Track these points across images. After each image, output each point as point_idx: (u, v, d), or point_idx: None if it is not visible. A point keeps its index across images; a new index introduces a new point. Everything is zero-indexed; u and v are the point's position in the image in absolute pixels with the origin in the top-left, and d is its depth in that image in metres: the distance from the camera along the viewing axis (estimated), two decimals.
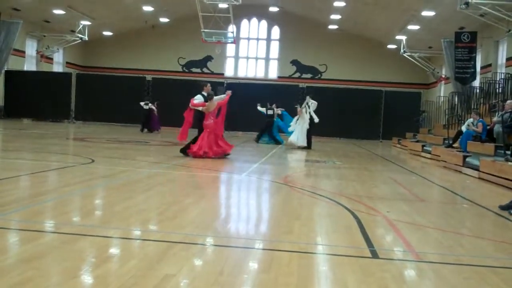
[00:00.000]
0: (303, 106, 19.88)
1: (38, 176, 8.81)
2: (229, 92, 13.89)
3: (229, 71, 42.67)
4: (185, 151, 13.31)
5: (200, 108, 13.43)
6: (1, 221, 5.10)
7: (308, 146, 19.30)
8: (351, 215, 6.41)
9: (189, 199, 7.06)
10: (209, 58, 41.69)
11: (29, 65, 37.16)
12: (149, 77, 33.04)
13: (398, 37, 33.84)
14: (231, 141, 21.23)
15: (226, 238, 5.05)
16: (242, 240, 5.05)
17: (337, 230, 5.66)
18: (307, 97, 20.14)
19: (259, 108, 21.83)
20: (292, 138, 19.57)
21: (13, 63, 33.95)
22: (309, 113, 19.53)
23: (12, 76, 33.09)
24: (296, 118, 19.90)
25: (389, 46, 37.38)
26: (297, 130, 19.55)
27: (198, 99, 13.74)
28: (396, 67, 38.45)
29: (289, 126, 20.22)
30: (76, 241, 4.56)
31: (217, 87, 31.39)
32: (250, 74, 42.30)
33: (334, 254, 4.67)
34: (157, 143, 18.62)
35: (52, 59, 39.47)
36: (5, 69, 32.60)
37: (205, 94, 13.82)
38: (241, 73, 42.66)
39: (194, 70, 42.15)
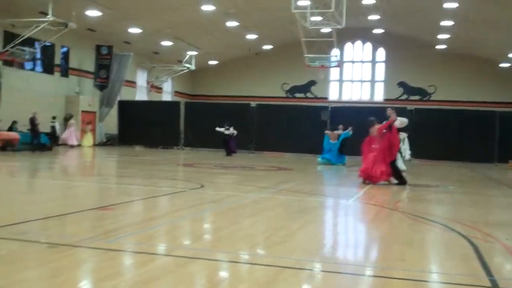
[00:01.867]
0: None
1: (151, 201, 9.19)
2: (392, 118, 13.39)
3: (333, 95, 42.66)
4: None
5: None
6: (117, 244, 5.37)
7: None
8: (467, 242, 6.14)
9: (296, 224, 7.07)
10: (312, 82, 41.90)
11: (140, 95, 39.13)
12: (253, 104, 33.65)
13: (511, 55, 32.35)
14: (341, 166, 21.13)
15: (336, 264, 5.00)
16: (352, 266, 4.98)
17: (452, 257, 5.44)
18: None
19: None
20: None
21: (125, 94, 35.87)
22: None
23: (125, 106, 34.88)
24: None
25: (502, 65, 35.81)
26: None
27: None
28: (510, 86, 36.69)
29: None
30: (189, 265, 4.70)
31: (321, 112, 31.42)
32: (355, 97, 42.00)
33: (450, 282, 4.48)
34: (263, 168, 18.85)
35: (161, 88, 41.35)
36: (118, 99, 34.44)
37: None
38: (346, 97, 42.47)
39: (297, 95, 42.50)
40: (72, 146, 28.42)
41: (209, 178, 14.09)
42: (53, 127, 28.91)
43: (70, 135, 29.00)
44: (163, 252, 5.26)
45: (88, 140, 30.86)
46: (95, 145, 31.29)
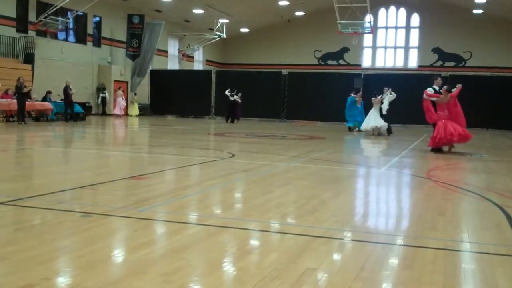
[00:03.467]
0: (383, 97, 20.60)
1: (183, 170, 9.29)
2: (459, 86, 13.84)
3: (366, 62, 42.13)
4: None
5: (433, 99, 13.77)
6: (151, 213, 5.46)
7: (388, 132, 20.48)
8: (501, 211, 6.07)
9: (328, 193, 7.07)
10: (345, 49, 41.41)
11: (172, 64, 39.20)
12: (285, 71, 33.45)
13: None
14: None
15: (367, 234, 5.00)
16: (383, 235, 4.97)
17: (486, 227, 5.39)
18: (385, 88, 20.82)
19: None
20: (365, 125, 20.74)
21: (157, 63, 35.98)
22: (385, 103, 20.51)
23: (157, 75, 35.07)
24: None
25: None
26: (371, 117, 20.54)
27: (430, 91, 14.09)
28: None
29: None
30: (220, 233, 4.76)
31: (354, 79, 31.10)
32: (389, 64, 41.43)
33: (483, 252, 4.45)
34: (294, 137, 18.83)
35: (192, 57, 41.33)
36: (150, 68, 34.59)
37: (436, 87, 14.10)
38: (379, 63, 41.92)
39: (330, 62, 42.07)
40: (118, 116, 29.36)
41: (241, 147, 14.16)
42: (103, 98, 30.33)
43: (117, 105, 30.07)
44: (195, 221, 5.32)
45: (135, 110, 32.24)
46: (127, 114, 31.68)
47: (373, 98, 20.99)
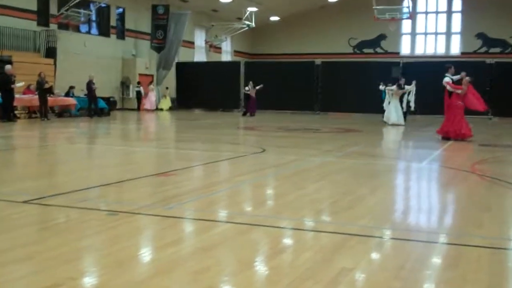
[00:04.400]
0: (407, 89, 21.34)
1: (211, 166, 9.33)
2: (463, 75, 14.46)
3: (405, 49, 41.68)
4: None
5: (459, 91, 14.17)
6: (179, 210, 5.51)
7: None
8: None
9: (364, 189, 7.03)
10: (382, 36, 41.02)
11: (199, 56, 39.28)
12: (318, 61, 33.24)
13: None
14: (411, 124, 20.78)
15: (406, 231, 4.95)
16: (424, 233, 4.93)
17: None
18: (402, 79, 21.87)
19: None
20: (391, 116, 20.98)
21: (183, 55, 36.10)
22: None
23: (183, 68, 35.15)
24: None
25: None
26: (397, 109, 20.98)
27: (449, 80, 14.45)
28: None
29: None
30: (250, 231, 4.78)
31: (392, 68, 30.75)
32: (429, 51, 40.92)
33: None
34: (327, 130, 18.75)
35: (220, 48, 41.37)
36: (176, 61, 34.71)
37: (451, 76, 14.42)
38: (419, 51, 41.44)
39: (366, 50, 41.72)
40: (148, 110, 29.92)
41: (271, 142, 14.15)
42: (138, 92, 31.32)
43: (149, 99, 30.69)
44: (224, 219, 5.35)
45: (166, 103, 33.22)
46: (157, 109, 32.02)
47: (394, 88, 21.03)
